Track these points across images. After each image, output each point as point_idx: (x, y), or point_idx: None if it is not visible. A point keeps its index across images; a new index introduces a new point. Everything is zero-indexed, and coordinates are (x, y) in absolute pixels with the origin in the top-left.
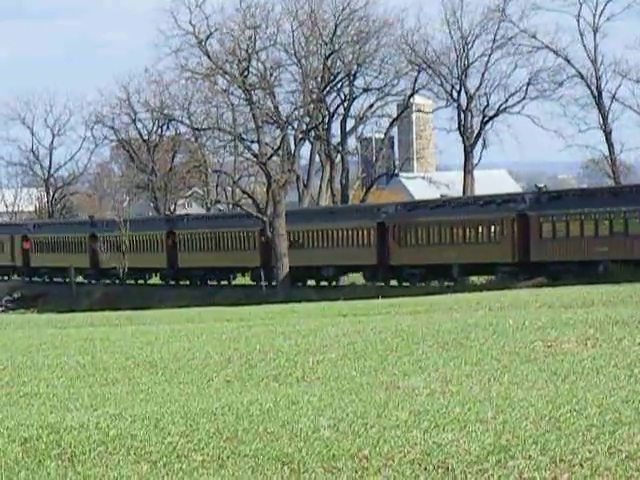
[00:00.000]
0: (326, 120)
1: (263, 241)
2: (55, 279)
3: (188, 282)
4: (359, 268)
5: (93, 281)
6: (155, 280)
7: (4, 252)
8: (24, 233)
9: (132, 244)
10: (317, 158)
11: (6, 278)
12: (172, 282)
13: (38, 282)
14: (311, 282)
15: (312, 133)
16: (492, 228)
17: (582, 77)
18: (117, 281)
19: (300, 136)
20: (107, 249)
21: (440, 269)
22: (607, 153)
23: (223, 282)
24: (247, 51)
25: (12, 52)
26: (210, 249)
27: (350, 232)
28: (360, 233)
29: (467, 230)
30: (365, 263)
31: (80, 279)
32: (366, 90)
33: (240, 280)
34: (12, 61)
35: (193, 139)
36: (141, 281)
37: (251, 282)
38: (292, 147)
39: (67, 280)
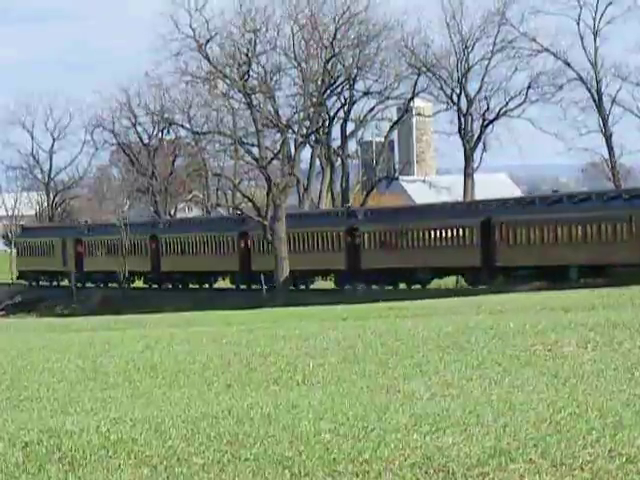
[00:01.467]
0: (326, 124)
1: (350, 242)
2: (110, 285)
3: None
4: (458, 270)
5: (154, 285)
6: (223, 284)
7: (54, 256)
8: (77, 236)
9: (198, 246)
10: (317, 162)
11: (55, 284)
12: (243, 286)
13: (92, 287)
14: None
15: (312, 137)
16: (617, 226)
17: (582, 80)
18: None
19: (300, 140)
20: (168, 252)
21: (556, 271)
22: (607, 156)
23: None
24: (247, 55)
25: (12, 55)
26: (290, 250)
27: (449, 231)
28: (460, 232)
29: (588, 228)
30: (466, 265)
31: (139, 284)
32: (366, 94)
33: (321, 284)
34: (12, 64)
35: (193, 143)
36: (206, 285)
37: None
38: (292, 151)
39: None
